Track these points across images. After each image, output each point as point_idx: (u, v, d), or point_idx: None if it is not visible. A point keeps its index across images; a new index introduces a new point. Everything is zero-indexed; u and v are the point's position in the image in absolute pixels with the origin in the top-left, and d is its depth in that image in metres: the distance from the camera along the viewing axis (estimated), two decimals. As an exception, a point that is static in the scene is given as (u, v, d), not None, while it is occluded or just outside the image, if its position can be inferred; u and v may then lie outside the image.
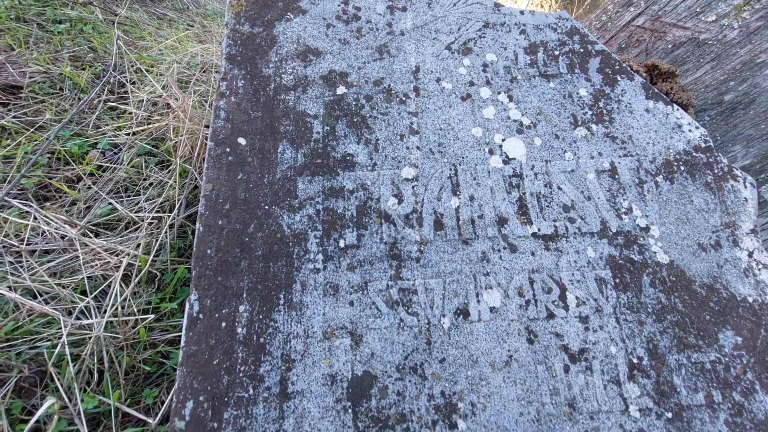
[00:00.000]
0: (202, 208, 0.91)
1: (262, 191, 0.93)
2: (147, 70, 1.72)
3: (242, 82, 1.03)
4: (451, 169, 0.97)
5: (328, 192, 0.94)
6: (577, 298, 0.86)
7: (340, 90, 1.04)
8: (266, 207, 0.92)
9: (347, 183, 0.95)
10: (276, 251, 0.88)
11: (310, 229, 0.91)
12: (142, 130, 1.49)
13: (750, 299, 0.86)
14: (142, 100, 1.59)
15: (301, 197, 0.93)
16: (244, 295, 0.84)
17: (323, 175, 0.96)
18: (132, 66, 1.72)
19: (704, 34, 1.09)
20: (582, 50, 1.11)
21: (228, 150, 0.97)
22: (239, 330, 0.82)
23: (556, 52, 1.10)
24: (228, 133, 0.98)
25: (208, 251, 0.88)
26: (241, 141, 0.98)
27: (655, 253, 0.90)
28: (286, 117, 1.01)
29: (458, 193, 0.95)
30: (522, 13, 1.15)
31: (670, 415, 0.78)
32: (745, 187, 0.96)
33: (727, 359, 0.82)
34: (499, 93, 1.06)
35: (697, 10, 1.09)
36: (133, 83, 1.67)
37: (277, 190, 0.94)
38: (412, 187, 0.95)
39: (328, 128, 1.00)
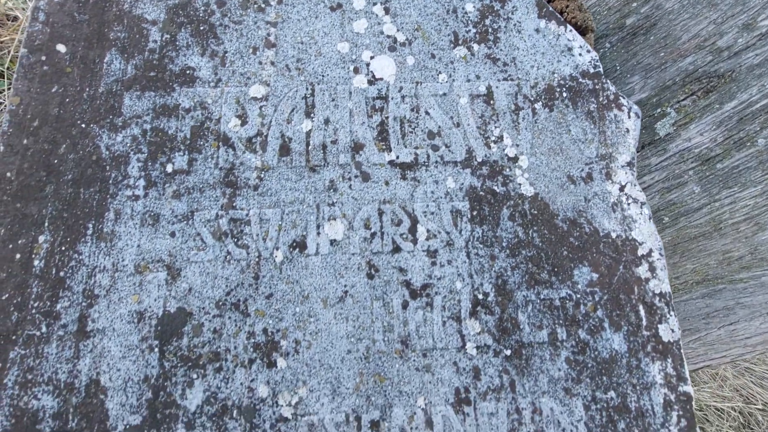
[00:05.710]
0: (5, 126, 0.78)
1: (80, 107, 0.80)
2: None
3: (63, -24, 0.86)
4: (307, 89, 0.85)
5: (160, 110, 0.81)
6: (428, 230, 0.78)
7: (189, -7, 0.89)
8: (83, 125, 0.79)
9: (183, 100, 0.82)
10: (89, 175, 0.76)
11: (133, 152, 0.79)
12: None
13: (613, 234, 0.81)
14: None
15: (127, 115, 0.80)
16: (46, 224, 0.73)
17: (156, 91, 0.82)
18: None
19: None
20: (475, -41, 0.97)
21: (44, 58, 0.82)
22: (36, 263, 0.71)
23: (446, -40, 0.96)
24: (46, 39, 0.83)
25: (8, 174, 0.75)
26: (61, 48, 0.83)
27: (520, 185, 0.82)
28: (119, 22, 0.85)
29: (312, 115, 0.84)
30: None
31: (508, 352, 0.73)
32: (629, 117, 0.88)
33: (578, 296, 0.77)
34: (375, 4, 0.92)
35: None
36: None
37: (98, 106, 0.80)
38: (260, 108, 0.83)
39: (168, 36, 0.86)
